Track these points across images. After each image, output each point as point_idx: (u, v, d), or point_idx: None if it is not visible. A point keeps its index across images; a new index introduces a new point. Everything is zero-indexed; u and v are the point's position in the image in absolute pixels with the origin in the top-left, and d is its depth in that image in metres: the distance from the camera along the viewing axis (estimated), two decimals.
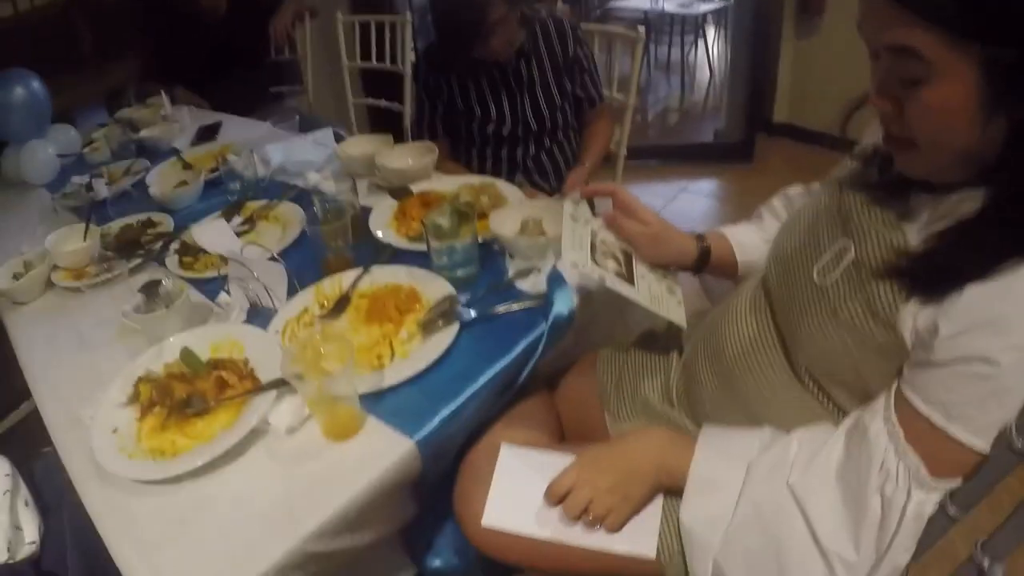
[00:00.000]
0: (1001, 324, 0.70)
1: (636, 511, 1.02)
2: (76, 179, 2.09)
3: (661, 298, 1.19)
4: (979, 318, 0.71)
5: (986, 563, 0.83)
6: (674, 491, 1.01)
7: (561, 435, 1.31)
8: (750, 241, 1.26)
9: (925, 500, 0.77)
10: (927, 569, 1.47)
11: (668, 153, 4.37)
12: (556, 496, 1.02)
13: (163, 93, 2.64)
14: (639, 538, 1.00)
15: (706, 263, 1.23)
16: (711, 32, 6.32)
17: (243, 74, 3.15)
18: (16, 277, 1.58)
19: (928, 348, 0.75)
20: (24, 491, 1.20)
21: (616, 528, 1.00)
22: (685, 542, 0.94)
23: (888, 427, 0.80)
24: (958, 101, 0.71)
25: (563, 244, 1.13)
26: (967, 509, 0.79)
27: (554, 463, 1.06)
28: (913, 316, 0.78)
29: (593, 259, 1.14)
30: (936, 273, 0.76)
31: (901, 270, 0.80)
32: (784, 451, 0.90)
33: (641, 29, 2.19)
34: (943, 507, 0.79)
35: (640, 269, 1.20)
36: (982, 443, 0.74)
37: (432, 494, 1.14)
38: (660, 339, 1.33)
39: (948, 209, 0.80)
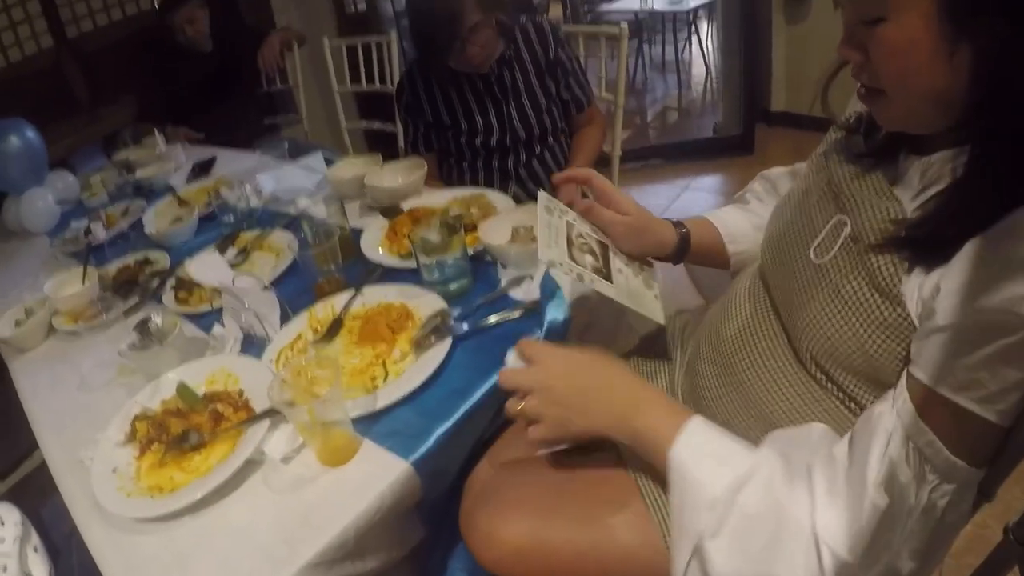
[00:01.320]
0: (1004, 274, 0.64)
1: (566, 441, 0.96)
2: (75, 224, 2.11)
3: (639, 294, 1.15)
4: (977, 273, 0.67)
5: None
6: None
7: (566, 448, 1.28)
8: (739, 228, 1.21)
9: (939, 488, 0.71)
10: (962, 553, 1.44)
11: (669, 152, 4.35)
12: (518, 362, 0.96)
13: (157, 132, 2.66)
14: None
15: (686, 251, 1.18)
16: (703, 27, 6.32)
17: (236, 107, 3.18)
18: (18, 324, 1.59)
19: (932, 314, 0.71)
20: (34, 537, 1.21)
21: (534, 439, 0.93)
22: (672, 490, 0.83)
23: (896, 406, 0.74)
24: (916, 34, 0.69)
25: (539, 240, 1.06)
26: (995, 486, 0.74)
27: None
28: (918, 287, 0.74)
29: (571, 255, 1.08)
30: (935, 239, 0.73)
31: (900, 240, 0.77)
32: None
33: (624, 25, 2.19)
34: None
35: (617, 263, 1.15)
36: (996, 414, 0.68)
37: (440, 516, 1.12)
38: (663, 341, 1.30)
39: (938, 170, 0.78)
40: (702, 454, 0.83)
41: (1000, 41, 0.66)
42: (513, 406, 0.94)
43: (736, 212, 1.24)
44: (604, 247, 1.15)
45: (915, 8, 0.69)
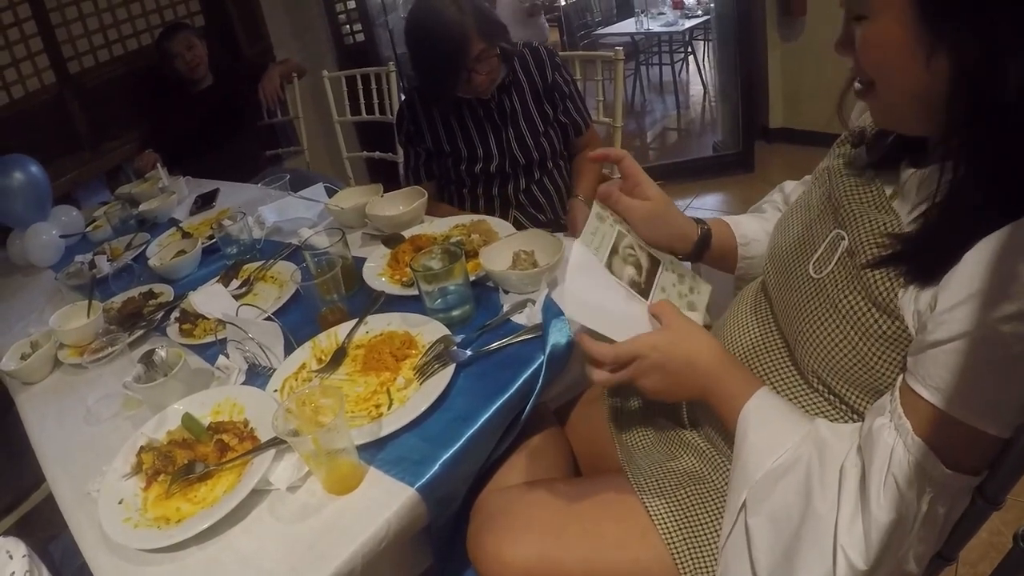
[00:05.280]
0: (995, 292, 0.65)
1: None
2: (79, 258, 2.12)
3: None
4: (973, 287, 0.67)
5: None
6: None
7: (574, 470, 1.28)
8: (752, 233, 1.19)
9: (939, 498, 0.73)
10: (976, 561, 1.44)
11: (670, 172, 4.36)
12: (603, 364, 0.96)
13: (159, 166, 2.68)
14: None
15: (705, 249, 1.15)
16: (699, 47, 6.38)
17: (238, 139, 3.20)
18: (24, 358, 1.59)
19: (928, 328, 0.72)
20: (44, 571, 1.20)
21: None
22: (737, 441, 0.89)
23: (894, 420, 0.74)
24: (895, 35, 0.73)
25: (581, 238, 1.01)
26: (1003, 494, 0.75)
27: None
28: (914, 300, 0.75)
29: (610, 263, 1.03)
30: (929, 254, 0.74)
31: (895, 255, 0.78)
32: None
33: (619, 49, 2.22)
34: (977, 495, 0.75)
35: (665, 280, 1.08)
36: (995, 427, 0.69)
37: (448, 541, 1.12)
38: None
39: (933, 182, 0.79)
40: (755, 434, 0.87)
41: (970, 51, 0.68)
42: (603, 380, 0.97)
43: (751, 218, 1.24)
44: (655, 263, 1.09)
45: (892, 10, 0.72)
